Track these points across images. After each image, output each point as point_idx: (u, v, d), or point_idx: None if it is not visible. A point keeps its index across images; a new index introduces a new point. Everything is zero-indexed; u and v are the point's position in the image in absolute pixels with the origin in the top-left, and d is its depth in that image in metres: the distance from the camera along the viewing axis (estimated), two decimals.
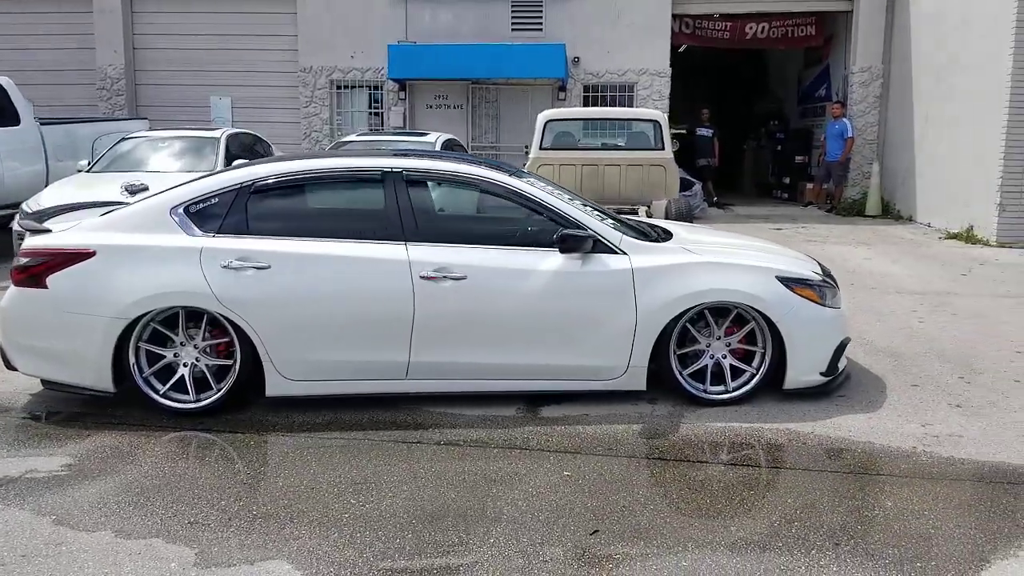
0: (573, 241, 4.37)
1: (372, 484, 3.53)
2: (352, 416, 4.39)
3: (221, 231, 4.37)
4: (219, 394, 4.38)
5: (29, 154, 10.07)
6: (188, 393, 4.38)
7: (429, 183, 4.69)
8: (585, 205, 4.90)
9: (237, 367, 4.35)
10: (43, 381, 4.52)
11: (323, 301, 4.33)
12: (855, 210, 14.46)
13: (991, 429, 4.19)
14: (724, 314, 4.54)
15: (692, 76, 17.65)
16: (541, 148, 10.90)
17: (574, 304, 4.43)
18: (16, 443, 4.00)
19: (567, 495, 3.43)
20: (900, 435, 4.12)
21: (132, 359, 4.33)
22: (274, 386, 4.38)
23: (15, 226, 8.49)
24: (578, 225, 4.47)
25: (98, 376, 4.31)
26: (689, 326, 4.51)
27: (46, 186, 10.46)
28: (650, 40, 14.93)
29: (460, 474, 3.65)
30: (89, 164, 10.02)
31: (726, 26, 16.26)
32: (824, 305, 4.59)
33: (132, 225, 4.42)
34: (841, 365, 4.71)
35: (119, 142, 10.37)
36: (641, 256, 4.49)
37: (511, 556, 2.91)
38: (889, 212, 14.07)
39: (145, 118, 13.17)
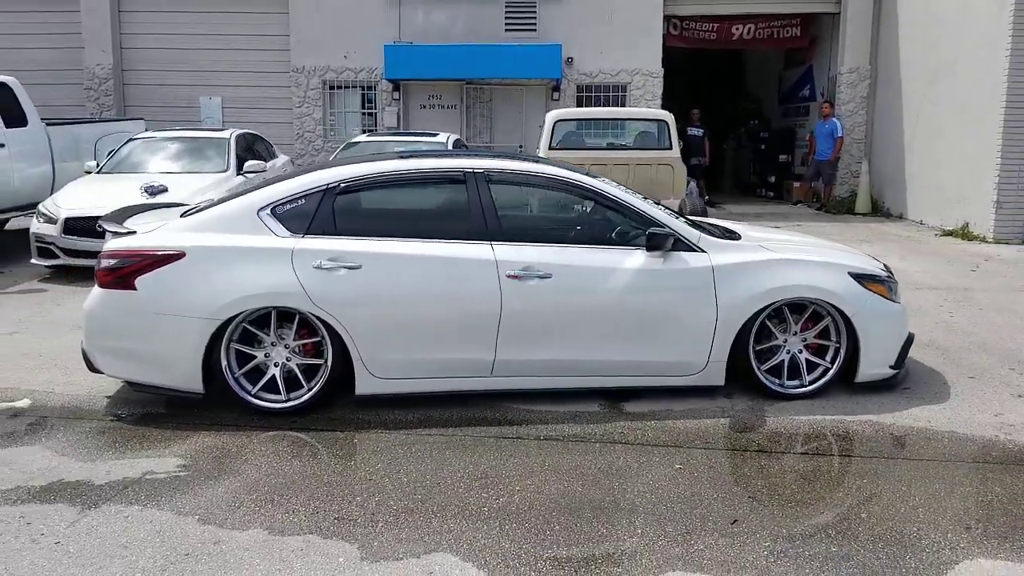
0: (659, 239, 4.47)
1: (494, 478, 3.59)
2: (441, 414, 4.43)
3: (310, 232, 4.39)
4: (311, 393, 4.39)
5: (37, 156, 9.87)
6: (279, 393, 4.39)
7: (510, 183, 4.74)
8: (657, 204, 5.00)
9: (329, 366, 4.37)
10: (128, 383, 4.48)
11: (413, 300, 4.37)
12: (844, 208, 14.84)
13: None
14: (800, 310, 4.69)
15: (671, 77, 17.87)
16: (550, 148, 10.99)
17: (656, 301, 4.53)
18: (117, 445, 3.97)
19: (689, 487, 3.53)
20: (978, 424, 4.31)
21: (224, 360, 4.32)
22: (364, 385, 4.41)
23: (33, 228, 8.32)
24: (659, 224, 4.58)
25: (188, 377, 4.30)
26: (768, 322, 4.65)
27: (52, 187, 10.27)
28: (642, 40, 15.12)
29: (575, 468, 3.72)
30: (98, 165, 9.84)
31: (713, 27, 16.54)
32: (893, 300, 4.78)
33: (220, 226, 4.41)
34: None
35: (126, 143, 10.21)
36: (720, 254, 4.61)
37: (666, 545, 3.00)
38: (878, 210, 14.47)
39: (141, 118, 12.93)
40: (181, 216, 4.70)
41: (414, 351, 4.40)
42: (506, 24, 15.09)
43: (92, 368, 4.48)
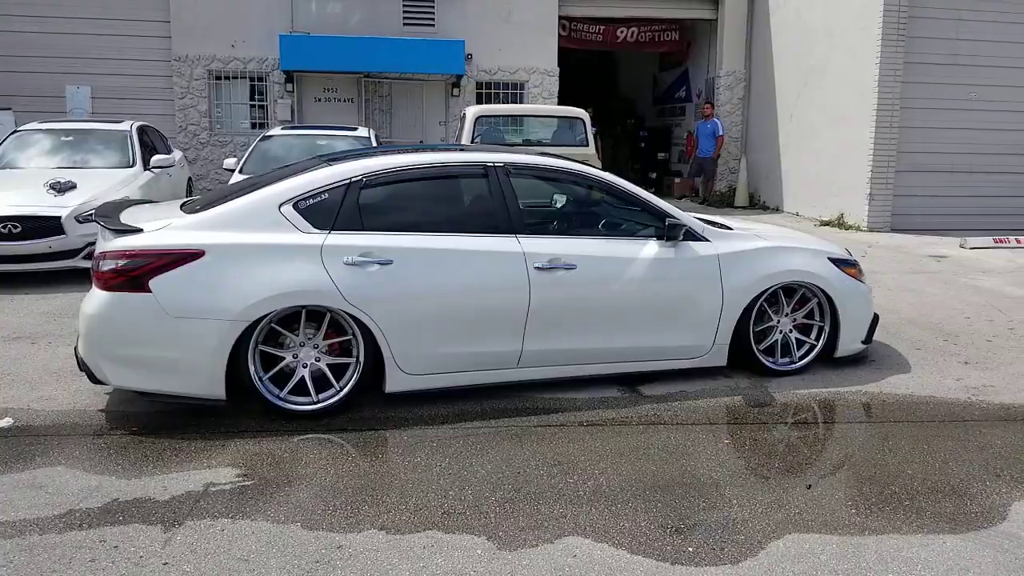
0: (675, 230, 4.73)
1: (568, 465, 3.68)
2: (473, 407, 4.45)
3: (336, 227, 4.27)
4: (343, 393, 4.28)
5: None
6: (306, 395, 4.25)
7: (530, 177, 4.83)
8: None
9: (360, 365, 4.28)
10: (140, 393, 4.17)
11: (445, 294, 4.36)
12: (725, 202, 15.87)
13: (1010, 379, 5.06)
14: (791, 293, 5.08)
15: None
16: (471, 143, 11.06)
17: (671, 289, 4.78)
18: (154, 459, 3.70)
19: (747, 459, 3.80)
20: (947, 389, 4.87)
21: (251, 364, 4.12)
22: (394, 382, 4.35)
23: None
24: (672, 215, 4.83)
25: (210, 384, 4.07)
26: (765, 305, 5.01)
27: None
28: (540, 39, 15.45)
29: (635, 449, 3.88)
30: None
31: (599, 29, 17.17)
32: (862, 282, 5.28)
33: (240, 223, 4.20)
34: None
35: (9, 135, 9.32)
36: (722, 243, 4.92)
37: (767, 512, 3.23)
38: (755, 203, 15.60)
39: (9, 108, 11.77)
40: (182, 210, 4.43)
41: (445, 346, 4.39)
42: (404, 18, 14.94)
43: (94, 379, 4.14)
